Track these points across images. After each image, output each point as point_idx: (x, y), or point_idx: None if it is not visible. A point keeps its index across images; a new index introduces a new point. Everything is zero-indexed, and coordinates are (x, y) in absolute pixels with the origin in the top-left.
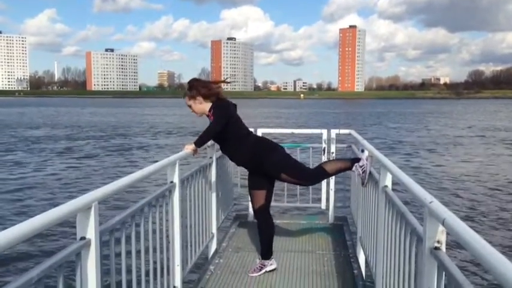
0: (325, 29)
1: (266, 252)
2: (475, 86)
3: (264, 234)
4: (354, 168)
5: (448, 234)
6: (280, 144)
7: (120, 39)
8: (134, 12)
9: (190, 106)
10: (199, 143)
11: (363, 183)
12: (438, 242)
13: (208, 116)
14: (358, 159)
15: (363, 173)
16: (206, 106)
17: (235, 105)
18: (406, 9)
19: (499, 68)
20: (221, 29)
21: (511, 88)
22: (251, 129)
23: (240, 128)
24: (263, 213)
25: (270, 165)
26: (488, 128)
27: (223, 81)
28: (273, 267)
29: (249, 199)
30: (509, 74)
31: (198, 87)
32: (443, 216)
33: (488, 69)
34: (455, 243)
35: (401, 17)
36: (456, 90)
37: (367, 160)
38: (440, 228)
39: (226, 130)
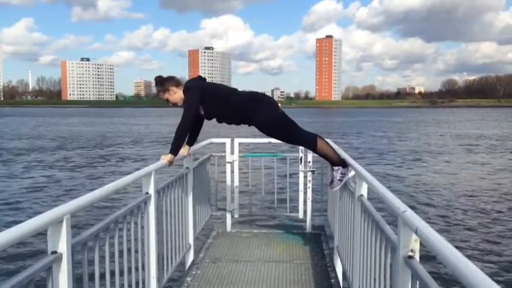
0: (305, 38)
1: (340, 160)
2: (449, 95)
3: (327, 147)
4: (336, 167)
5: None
6: (258, 154)
7: (99, 48)
8: (114, 22)
9: (167, 100)
10: (174, 149)
11: (331, 183)
12: (412, 250)
13: None
14: (346, 165)
15: (339, 180)
16: (181, 94)
17: (204, 79)
18: (384, 19)
19: (472, 77)
20: (201, 38)
21: (484, 97)
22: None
23: (218, 94)
24: (303, 134)
25: (258, 122)
26: (468, 136)
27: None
28: (353, 173)
29: (227, 209)
30: (482, 84)
31: (165, 80)
32: (416, 225)
33: (462, 78)
34: (430, 252)
35: (379, 28)
36: (431, 99)
37: (350, 175)
38: (414, 237)
39: (206, 106)
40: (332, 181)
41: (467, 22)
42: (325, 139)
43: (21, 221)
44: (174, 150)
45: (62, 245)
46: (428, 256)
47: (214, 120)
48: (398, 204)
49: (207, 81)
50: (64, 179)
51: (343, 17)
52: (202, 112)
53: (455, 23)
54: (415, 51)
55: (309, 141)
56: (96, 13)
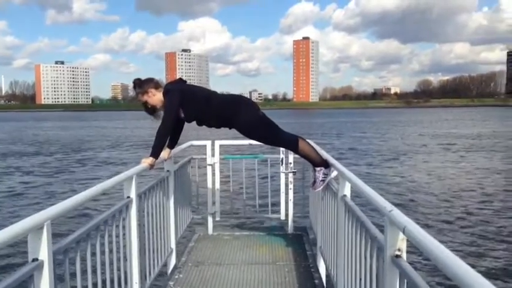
0: (282, 40)
1: (322, 161)
2: (424, 95)
3: (308, 147)
4: (318, 168)
5: (408, 241)
6: (239, 156)
7: (75, 51)
8: (89, 24)
9: (146, 102)
10: (154, 152)
11: (313, 184)
12: (399, 250)
13: None
14: (328, 166)
15: (321, 180)
16: (161, 96)
17: (184, 81)
18: (360, 21)
19: (446, 77)
20: (178, 40)
21: (458, 97)
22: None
23: (199, 97)
24: (284, 136)
25: (239, 125)
26: (445, 135)
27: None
28: (335, 173)
29: (208, 211)
30: (456, 84)
31: (144, 82)
32: (403, 224)
33: (437, 79)
34: (416, 251)
35: (355, 29)
36: (406, 99)
37: (333, 175)
38: (401, 236)
39: (186, 109)
40: (314, 182)
41: (441, 23)
42: (306, 140)
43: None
44: (155, 154)
45: (43, 252)
46: (414, 255)
47: (194, 122)
48: (384, 203)
49: (187, 83)
50: (42, 184)
51: (320, 19)
52: (183, 115)
53: (429, 24)
54: (391, 52)
55: (291, 142)
56: (71, 16)
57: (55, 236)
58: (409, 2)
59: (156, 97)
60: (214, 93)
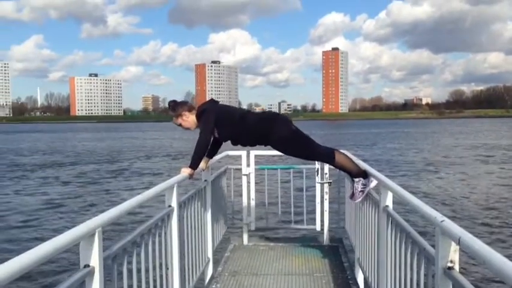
0: (312, 51)
1: (360, 172)
2: (457, 106)
3: (345, 159)
4: (357, 179)
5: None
6: (274, 166)
7: (108, 63)
8: (123, 37)
9: (180, 125)
10: (193, 164)
11: (352, 196)
12: (451, 261)
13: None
14: (367, 175)
15: (360, 191)
16: (194, 118)
17: (217, 102)
18: (391, 31)
19: (479, 88)
20: (209, 52)
21: (491, 107)
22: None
23: (233, 116)
24: (320, 149)
25: (275, 141)
26: (483, 146)
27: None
28: (374, 183)
29: (243, 221)
30: (490, 94)
31: (178, 104)
32: (458, 235)
33: (469, 89)
34: (467, 263)
35: (386, 39)
36: (438, 110)
37: (372, 185)
38: (453, 247)
39: (221, 128)
40: (353, 193)
41: (475, 32)
42: (343, 151)
43: (48, 237)
44: (194, 165)
45: (94, 258)
46: (466, 266)
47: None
48: (434, 213)
49: (219, 103)
50: (84, 194)
51: (350, 30)
52: (217, 135)
53: (463, 33)
54: (422, 62)
55: (327, 155)
56: (105, 29)
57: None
58: (441, 12)
59: (190, 119)
60: (248, 111)
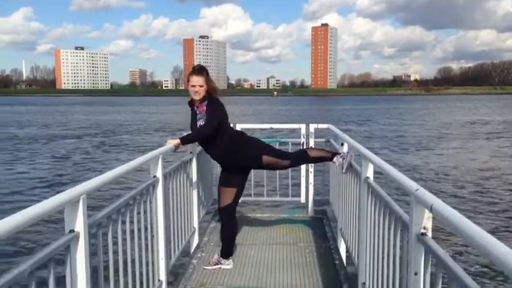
0: (305, 27)
1: (226, 251)
2: (444, 83)
3: (226, 233)
4: (334, 159)
5: (434, 220)
6: (259, 138)
7: (97, 37)
8: (113, 10)
9: (201, 86)
10: (186, 140)
11: (343, 169)
12: (424, 228)
13: (196, 106)
14: (338, 153)
15: (343, 160)
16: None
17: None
18: (385, 7)
19: (469, 65)
20: (201, 27)
21: (479, 84)
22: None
23: (227, 127)
24: (228, 212)
25: (246, 159)
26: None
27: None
28: (229, 267)
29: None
30: (477, 71)
31: (210, 79)
32: (430, 203)
33: (459, 66)
34: (440, 230)
35: (380, 15)
36: (426, 86)
37: (345, 149)
38: (427, 214)
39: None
40: (342, 167)
41: (468, 9)
42: (311, 146)
43: (37, 201)
44: (185, 140)
45: (79, 224)
46: (439, 234)
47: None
48: (410, 182)
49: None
50: (77, 163)
51: (344, 5)
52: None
53: (456, 10)
54: (414, 38)
55: (301, 156)
56: (96, 2)
57: (88, 210)
58: None
59: (213, 83)
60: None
